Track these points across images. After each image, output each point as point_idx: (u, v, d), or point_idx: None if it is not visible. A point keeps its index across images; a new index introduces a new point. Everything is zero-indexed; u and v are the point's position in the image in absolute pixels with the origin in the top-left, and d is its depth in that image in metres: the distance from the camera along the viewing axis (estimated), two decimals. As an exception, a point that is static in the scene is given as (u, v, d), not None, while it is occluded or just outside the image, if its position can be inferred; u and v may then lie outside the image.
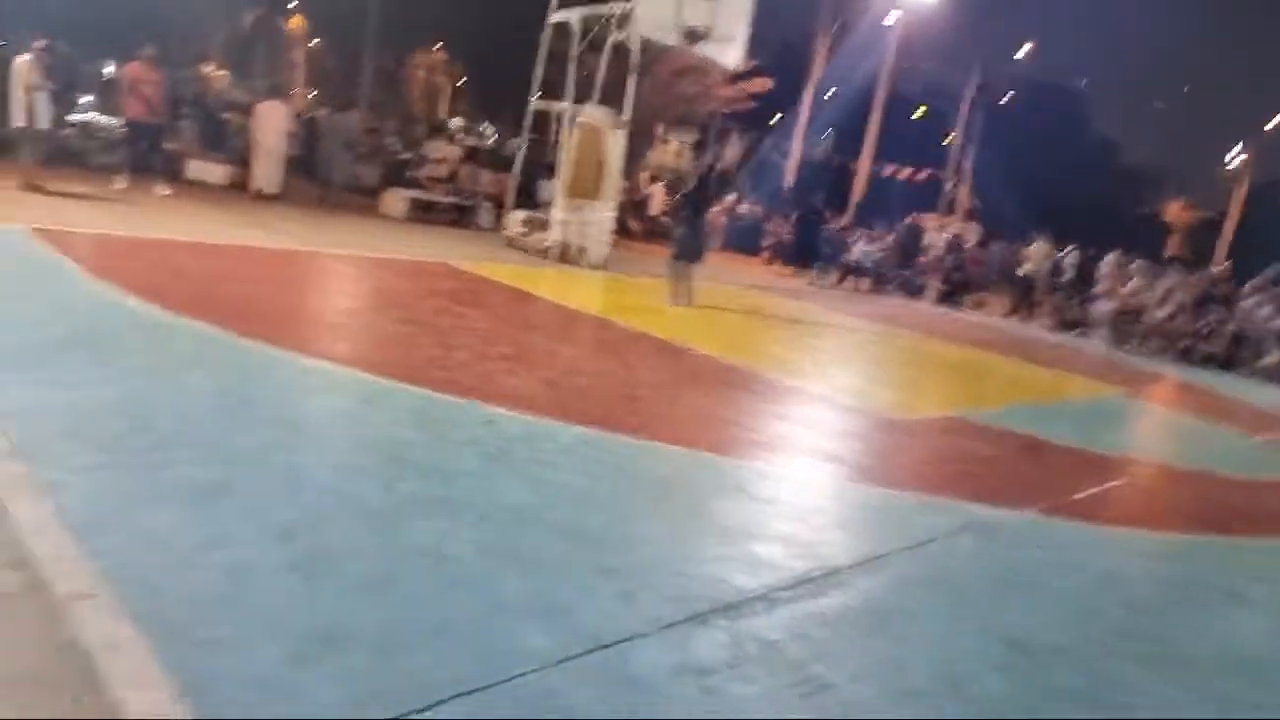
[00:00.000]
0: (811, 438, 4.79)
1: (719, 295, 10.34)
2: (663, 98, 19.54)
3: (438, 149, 15.38)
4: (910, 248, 17.82)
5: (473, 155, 16.79)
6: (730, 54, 11.86)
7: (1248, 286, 14.18)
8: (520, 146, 13.29)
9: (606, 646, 2.25)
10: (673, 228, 10.62)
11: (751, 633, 2.47)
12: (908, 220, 21.13)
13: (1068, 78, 41.96)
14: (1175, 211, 55.72)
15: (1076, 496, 4.64)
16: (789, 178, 27.14)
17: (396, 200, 13.22)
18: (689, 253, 9.30)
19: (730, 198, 20.63)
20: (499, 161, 17.20)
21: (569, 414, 4.27)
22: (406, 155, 16.21)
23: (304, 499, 2.81)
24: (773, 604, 2.68)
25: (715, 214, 16.83)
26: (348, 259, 8.30)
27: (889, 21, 19.70)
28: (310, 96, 25.42)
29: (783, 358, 7.53)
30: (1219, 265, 21.20)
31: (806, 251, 16.33)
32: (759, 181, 25.52)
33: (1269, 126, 42.21)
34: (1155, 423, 7.99)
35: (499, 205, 14.11)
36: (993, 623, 2.85)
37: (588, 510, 3.14)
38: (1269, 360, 12.97)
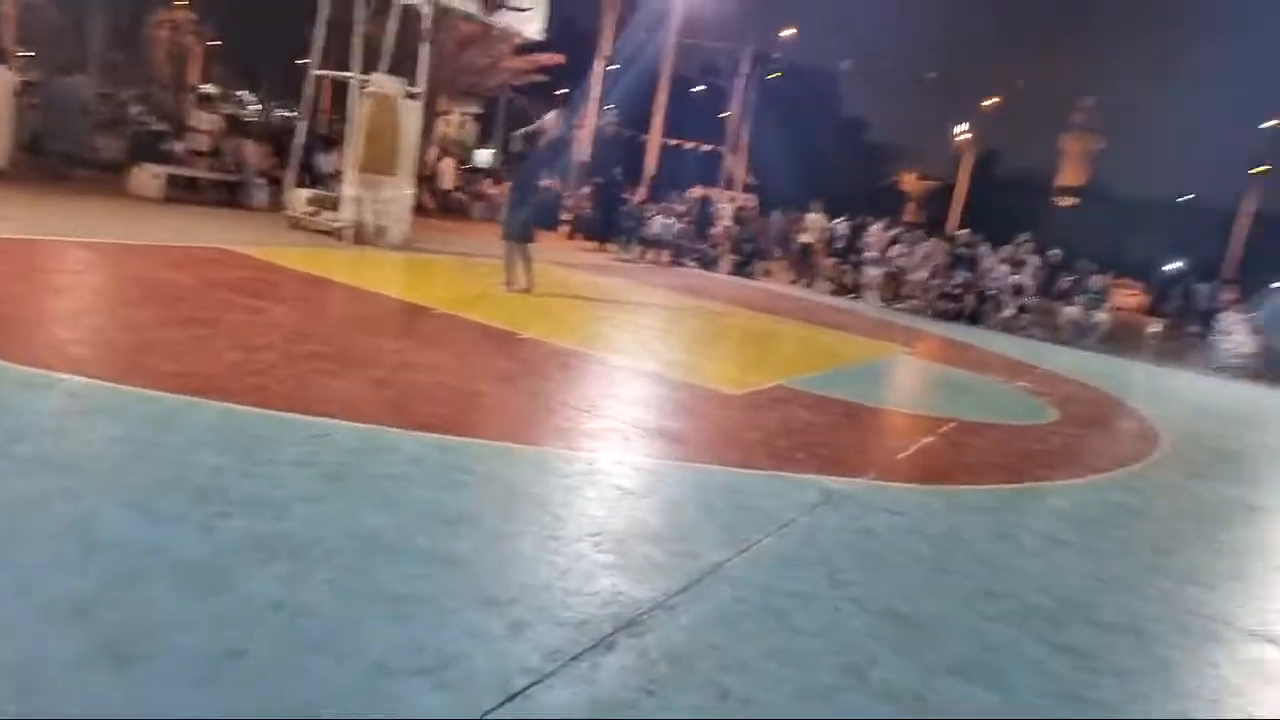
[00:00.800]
0: (657, 420, 4.70)
1: (540, 272, 10.03)
2: (449, 68, 18.70)
3: (197, 119, 13.73)
4: (703, 220, 18.37)
5: (236, 126, 15.19)
6: (531, 24, 11.45)
7: (997, 253, 15.84)
8: (302, 117, 12.12)
9: (511, 698, 1.99)
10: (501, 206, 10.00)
11: (659, 649, 2.32)
12: (694, 193, 21.79)
13: (826, 60, 44.98)
14: (911, 181, 62.07)
15: (900, 457, 4.91)
16: (582, 151, 27.06)
17: (149, 177, 11.62)
18: (516, 232, 8.76)
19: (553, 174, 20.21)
20: (264, 132, 15.70)
21: (410, 418, 3.88)
22: (159, 127, 14.35)
23: (99, 559, 2.29)
24: (671, 611, 2.54)
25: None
26: (101, 249, 7.15)
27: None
28: (22, 57, 21.84)
29: (609, 336, 7.41)
30: (957, 230, 23.71)
31: (607, 225, 16.34)
32: (554, 155, 25.21)
33: (987, 104, 47.65)
34: (937, 378, 8.70)
35: (272, 181, 12.87)
36: (872, 598, 2.88)
37: (453, 530, 2.83)
38: (1007, 314, 14.68)
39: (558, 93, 29.08)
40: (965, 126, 49.75)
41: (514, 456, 3.72)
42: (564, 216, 20.73)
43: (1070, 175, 65.11)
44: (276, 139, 14.52)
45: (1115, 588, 3.38)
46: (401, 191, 10.75)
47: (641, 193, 19.94)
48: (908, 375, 8.59)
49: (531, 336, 6.52)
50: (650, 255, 16.43)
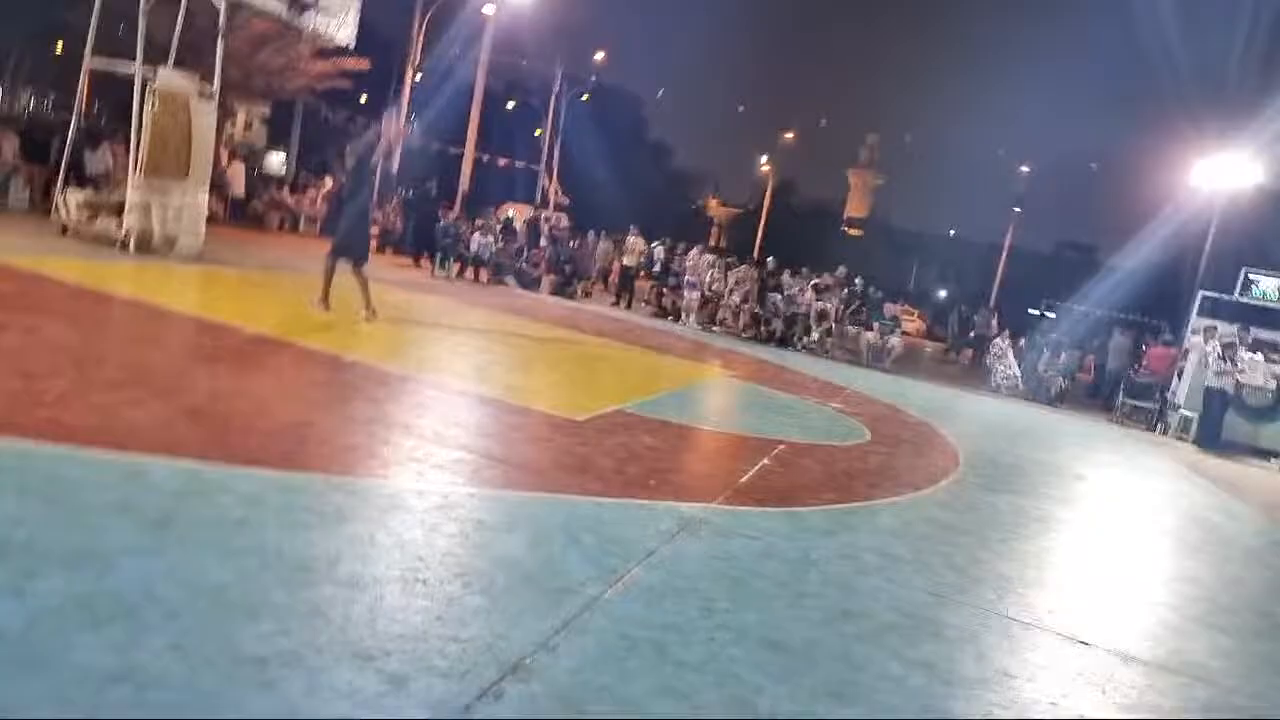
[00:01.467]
0: (505, 449, 4.56)
1: (348, 290, 9.49)
2: (241, 67, 17.41)
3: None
4: (533, 239, 18.24)
5: (-17, 115, 13.34)
6: (343, 29, 10.88)
7: (804, 279, 16.86)
8: (78, 112, 10.80)
9: (407, 763, 1.83)
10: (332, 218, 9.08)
11: (549, 695, 2.21)
12: (504, 210, 21.58)
13: (638, 86, 46.39)
14: (715, 207, 65.28)
15: (743, 480, 5.05)
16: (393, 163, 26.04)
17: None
18: (347, 248, 7.79)
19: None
20: (14, 125, 13.89)
21: (236, 453, 3.51)
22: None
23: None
24: (554, 653, 2.44)
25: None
26: None
27: (487, 10, 19.74)
28: None
29: (441, 360, 7.13)
30: (761, 256, 25.13)
31: (421, 241, 15.82)
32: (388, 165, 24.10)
33: (787, 136, 50.98)
34: (761, 400, 9.08)
35: (28, 180, 11.41)
36: (745, 626, 2.92)
37: (309, 579, 2.57)
38: (812, 338, 15.69)
39: (362, 100, 27.95)
40: (765, 158, 53.00)
41: (363, 492, 3.45)
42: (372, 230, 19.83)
43: (855, 207, 71.00)
44: (28, 132, 12.88)
45: (950, 601, 3.64)
46: (194, 198, 9.84)
47: (456, 209, 19.50)
48: (734, 397, 8.90)
49: (359, 360, 6.14)
50: (469, 274, 16.08)
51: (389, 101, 25.77)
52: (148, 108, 9.48)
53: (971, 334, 17.94)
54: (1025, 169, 40.58)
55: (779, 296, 16.25)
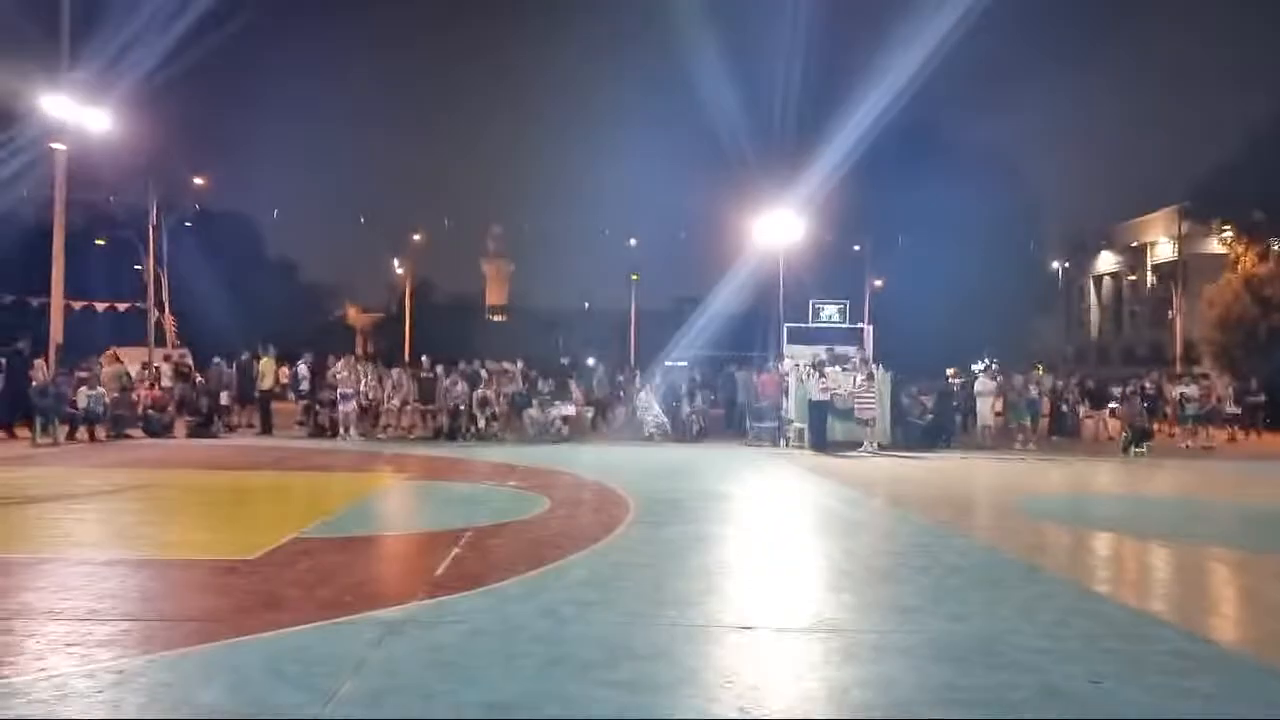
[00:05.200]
0: (177, 608, 4.27)
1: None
2: None
3: None
4: (128, 387, 16.33)
5: None
6: None
7: (457, 373, 17.14)
8: None
9: None
10: None
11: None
12: (109, 355, 19.20)
13: (246, 204, 43.97)
14: (355, 315, 63.78)
15: (439, 573, 5.20)
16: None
17: None
18: None
19: None
20: None
21: None
22: None
23: None
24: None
25: None
26: None
27: (57, 146, 17.67)
28: None
29: (74, 533, 6.30)
30: (414, 355, 25.11)
31: (16, 408, 13.59)
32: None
33: (415, 237, 51.49)
34: (441, 495, 9.19)
35: None
36: (467, 700, 3.10)
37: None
38: (480, 425, 16.08)
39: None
40: (398, 261, 52.98)
41: (18, 690, 3.08)
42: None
43: (495, 295, 73.45)
44: None
45: (639, 624, 4.15)
46: None
47: (51, 366, 16.95)
48: (413, 498, 8.91)
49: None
50: (82, 434, 14.07)
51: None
52: None
53: (618, 393, 19.51)
54: (634, 241, 45.39)
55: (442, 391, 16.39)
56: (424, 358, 18.52)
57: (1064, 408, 18.85)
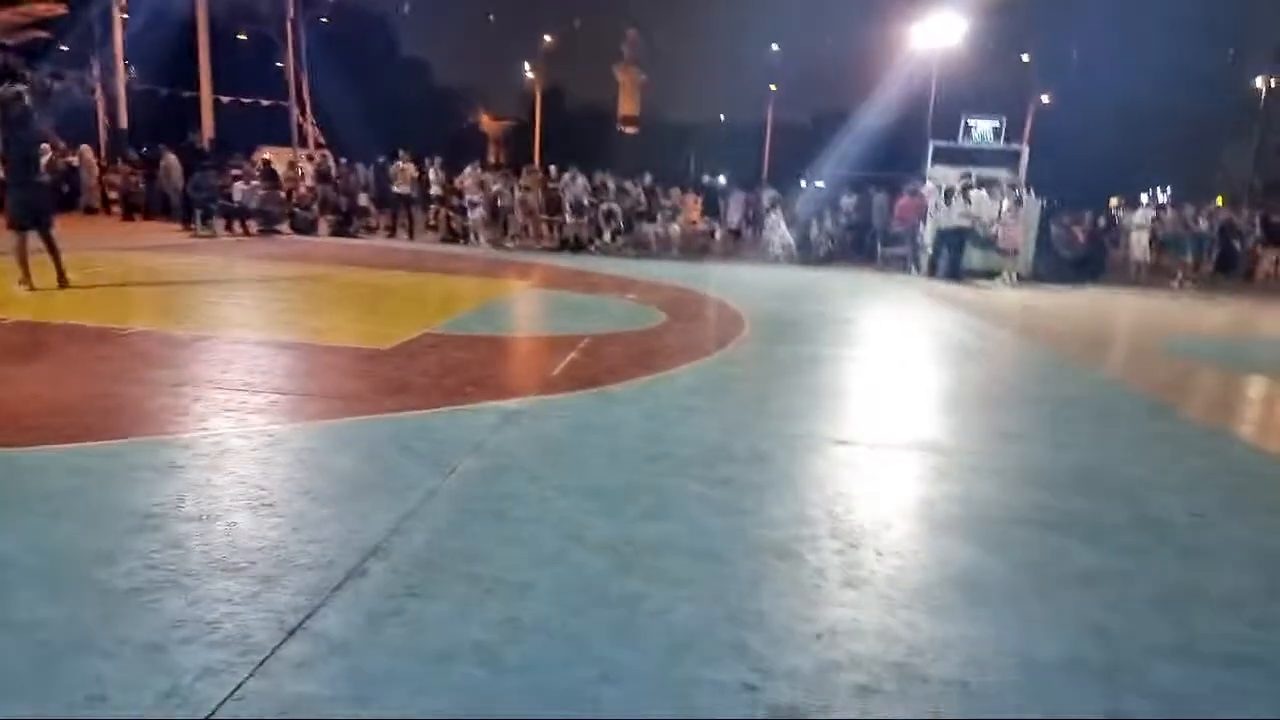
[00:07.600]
0: (322, 384, 4.70)
1: (104, 265, 8.85)
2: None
3: None
4: (282, 183, 17.24)
5: None
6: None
7: (581, 181, 17.16)
8: None
9: (292, 633, 2.13)
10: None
11: (408, 563, 2.55)
12: (261, 154, 20.15)
13: (377, 2, 43.63)
14: (487, 122, 63.68)
15: (555, 374, 5.47)
16: (105, 116, 23.34)
17: None
18: (25, 217, 7.50)
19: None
20: None
21: (45, 433, 3.47)
22: None
23: None
24: (406, 534, 2.77)
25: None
26: None
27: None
28: None
29: (231, 317, 6.93)
30: (543, 164, 25.13)
31: (167, 199, 14.67)
32: (66, 124, 21.45)
33: (547, 41, 50.11)
34: (562, 304, 9.49)
35: None
36: (569, 484, 3.35)
37: (159, 522, 2.72)
38: (604, 239, 16.23)
39: (63, 49, 24.73)
40: (529, 66, 52.06)
41: (188, 445, 3.54)
42: (112, 195, 18.09)
43: (627, 105, 71.52)
44: None
45: (739, 432, 4.28)
46: None
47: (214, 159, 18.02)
48: (536, 305, 9.25)
49: (140, 330, 5.92)
50: (236, 228, 15.13)
51: (92, 46, 22.96)
52: None
53: (748, 213, 19.10)
54: (775, 47, 42.61)
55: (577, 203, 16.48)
56: (551, 168, 18.54)
57: (1237, 245, 17.18)
